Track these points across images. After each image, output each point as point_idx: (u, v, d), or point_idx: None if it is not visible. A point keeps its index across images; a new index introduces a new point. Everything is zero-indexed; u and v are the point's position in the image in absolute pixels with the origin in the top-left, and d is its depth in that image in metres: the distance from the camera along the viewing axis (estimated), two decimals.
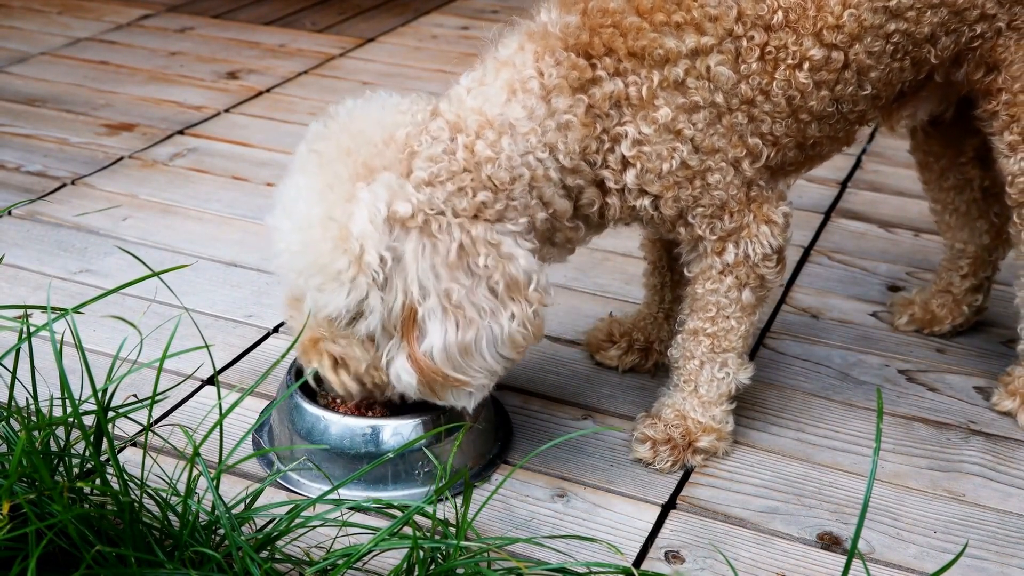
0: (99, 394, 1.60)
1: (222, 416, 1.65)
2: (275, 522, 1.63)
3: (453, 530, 1.61)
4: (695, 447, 1.98)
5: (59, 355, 1.65)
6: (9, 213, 2.86)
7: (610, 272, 2.65)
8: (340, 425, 1.87)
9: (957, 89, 2.05)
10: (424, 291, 1.68)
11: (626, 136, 1.77)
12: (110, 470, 1.62)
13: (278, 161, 3.23)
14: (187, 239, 2.78)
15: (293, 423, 1.92)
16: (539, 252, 1.80)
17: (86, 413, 1.68)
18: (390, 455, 1.84)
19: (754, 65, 1.79)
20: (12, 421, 1.72)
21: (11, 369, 1.72)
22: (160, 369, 1.64)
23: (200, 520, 1.59)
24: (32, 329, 1.71)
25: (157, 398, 1.68)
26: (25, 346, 1.70)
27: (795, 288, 2.61)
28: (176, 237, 2.79)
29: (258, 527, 1.69)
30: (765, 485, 1.96)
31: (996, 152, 2.04)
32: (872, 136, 3.44)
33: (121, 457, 1.89)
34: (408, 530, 1.59)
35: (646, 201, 1.83)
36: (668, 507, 1.90)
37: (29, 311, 2.31)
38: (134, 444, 1.97)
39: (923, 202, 2.48)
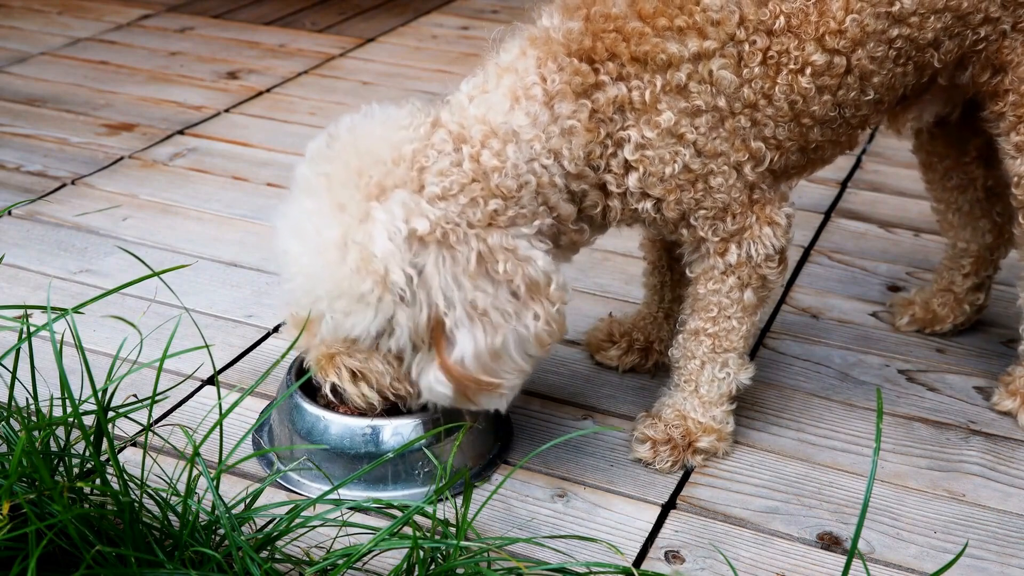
0: (99, 394, 1.60)
1: (222, 416, 1.65)
2: (275, 522, 1.63)
3: (453, 530, 1.61)
4: (695, 447, 1.98)
5: (59, 355, 1.65)
6: (9, 213, 2.86)
7: (610, 272, 2.65)
8: (340, 425, 1.87)
9: (963, 91, 2.05)
10: (449, 302, 1.68)
11: (629, 140, 1.77)
12: (110, 470, 1.62)
13: (278, 161, 3.23)
14: (187, 239, 2.78)
15: (293, 423, 1.92)
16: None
17: (86, 413, 1.68)
18: (390, 455, 1.84)
19: (756, 69, 1.79)
20: (12, 421, 1.72)
21: (11, 369, 1.72)
22: (160, 369, 1.64)
23: (200, 520, 1.59)
24: (32, 329, 1.71)
25: (157, 398, 1.68)
26: (25, 346, 1.70)
27: (795, 288, 2.61)
28: (176, 237, 2.79)
29: (258, 527, 1.69)
30: (765, 485, 1.96)
31: (1002, 153, 2.04)
32: (872, 136, 3.44)
33: (121, 457, 1.89)
34: (408, 530, 1.59)
35: (648, 204, 1.83)
36: (668, 507, 1.90)
37: (29, 311, 2.31)
38: (134, 444, 1.97)
39: (923, 202, 2.48)
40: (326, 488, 1.79)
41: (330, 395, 1.84)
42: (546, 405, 2.16)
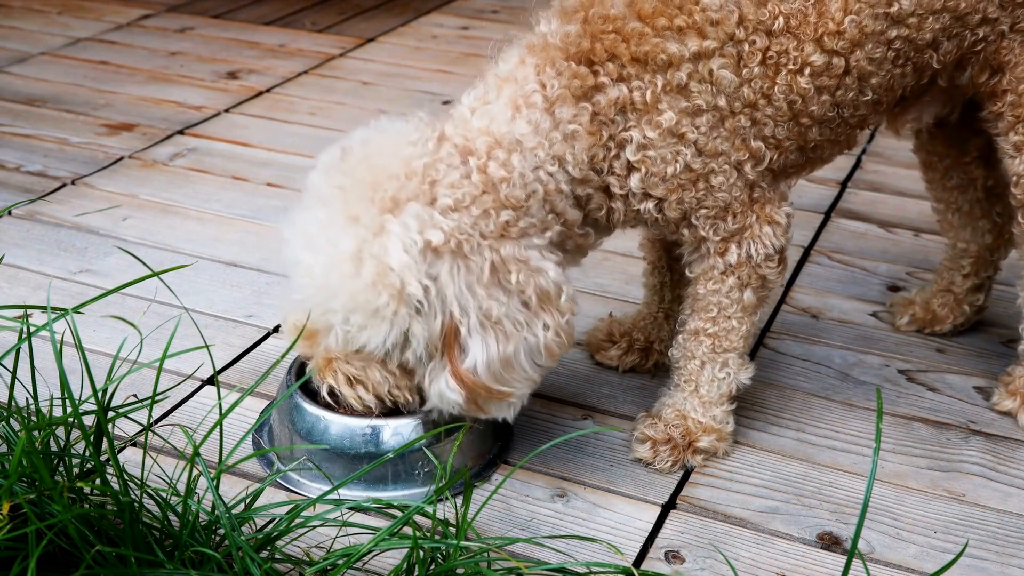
0: (99, 394, 1.60)
1: (222, 416, 1.65)
2: (275, 522, 1.63)
3: (453, 530, 1.61)
4: (695, 447, 1.98)
5: (59, 355, 1.65)
6: (9, 213, 2.86)
7: (610, 272, 2.65)
8: (340, 425, 1.87)
9: (962, 92, 2.05)
10: (463, 310, 1.69)
11: (631, 141, 1.77)
12: (110, 470, 1.62)
13: (278, 161, 3.23)
14: (187, 239, 2.78)
15: (293, 423, 1.92)
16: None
17: (86, 413, 1.68)
18: (390, 455, 1.84)
19: (756, 69, 1.79)
20: (12, 421, 1.72)
21: (11, 369, 1.72)
22: (160, 369, 1.64)
23: (200, 520, 1.59)
24: (32, 329, 1.71)
25: (157, 398, 1.68)
26: (25, 346, 1.70)
27: (795, 288, 2.61)
28: (176, 237, 2.79)
29: (258, 527, 1.69)
30: (765, 485, 1.96)
31: (1001, 153, 2.04)
32: (872, 136, 3.44)
33: (121, 457, 1.89)
34: (408, 530, 1.60)
35: (650, 204, 1.83)
36: (668, 507, 1.90)
37: (29, 311, 2.31)
38: (134, 444, 1.97)
39: (923, 202, 2.48)
40: (326, 488, 1.79)
41: (327, 398, 1.85)
42: (546, 405, 2.16)
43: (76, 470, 1.68)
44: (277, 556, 1.63)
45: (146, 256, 2.48)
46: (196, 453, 1.60)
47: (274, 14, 4.64)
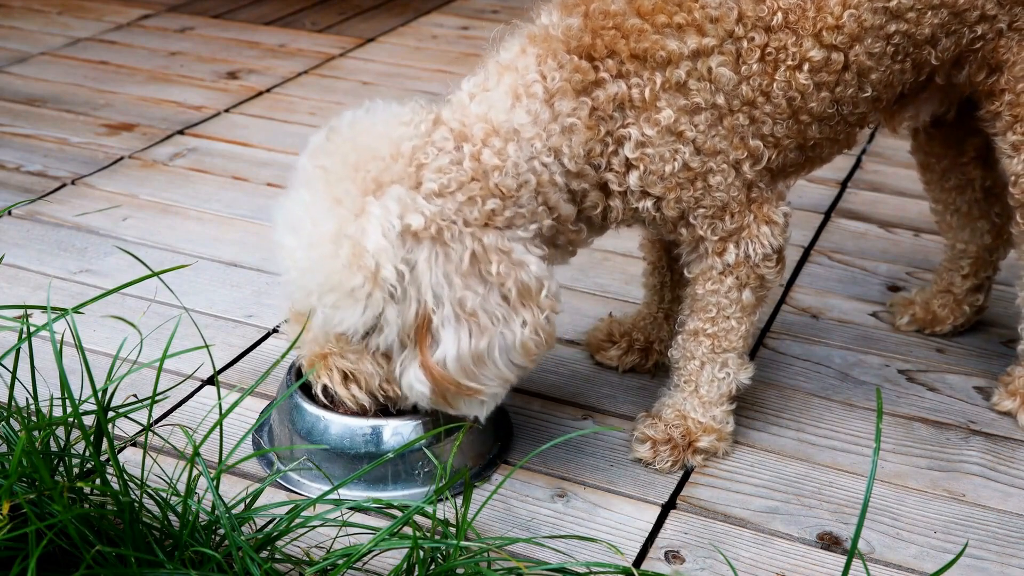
0: (99, 394, 1.60)
1: (222, 416, 1.65)
2: (275, 522, 1.63)
3: (453, 530, 1.61)
4: (695, 447, 1.98)
5: (59, 355, 1.65)
6: (9, 213, 2.86)
7: (610, 272, 2.65)
8: (340, 425, 1.87)
9: (959, 91, 2.05)
10: (438, 299, 1.67)
11: (629, 138, 1.77)
12: (110, 470, 1.62)
13: (278, 161, 3.23)
14: (187, 239, 2.78)
15: (293, 423, 1.92)
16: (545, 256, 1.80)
17: (86, 413, 1.68)
18: (390, 455, 1.84)
19: (755, 66, 1.79)
20: (12, 421, 1.72)
21: (11, 369, 1.72)
22: (160, 369, 1.64)
23: (200, 520, 1.59)
24: (32, 329, 1.71)
25: (157, 398, 1.68)
26: (25, 346, 1.70)
27: (795, 288, 2.61)
28: (176, 237, 2.79)
29: (258, 527, 1.69)
30: (765, 485, 1.96)
31: (999, 152, 2.04)
32: (872, 136, 3.44)
33: (121, 457, 1.89)
34: (408, 530, 1.60)
35: (648, 203, 1.83)
36: (668, 507, 1.90)
37: (29, 311, 2.31)
38: (134, 444, 1.97)
39: (923, 202, 2.48)
40: (326, 488, 1.79)
41: (321, 396, 1.84)
42: (546, 405, 2.16)
43: (76, 470, 1.68)
44: (277, 556, 1.63)
45: (146, 256, 2.48)
46: (196, 453, 1.60)
47: (274, 14, 4.64)
